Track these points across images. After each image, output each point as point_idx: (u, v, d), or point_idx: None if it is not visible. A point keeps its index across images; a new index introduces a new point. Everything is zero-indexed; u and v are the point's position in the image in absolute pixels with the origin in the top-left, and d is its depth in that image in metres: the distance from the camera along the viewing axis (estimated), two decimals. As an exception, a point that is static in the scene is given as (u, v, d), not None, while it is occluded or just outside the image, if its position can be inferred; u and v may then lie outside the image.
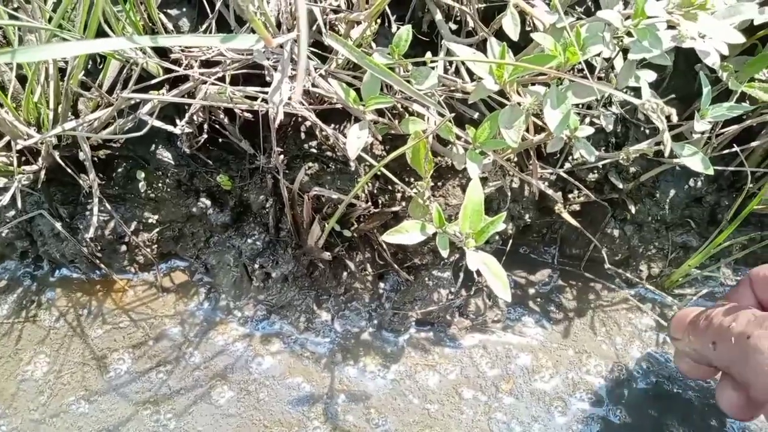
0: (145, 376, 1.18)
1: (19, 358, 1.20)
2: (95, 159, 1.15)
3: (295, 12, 0.94)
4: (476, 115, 1.14)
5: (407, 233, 0.88)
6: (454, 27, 1.12)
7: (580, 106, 1.04)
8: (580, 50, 0.79)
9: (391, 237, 0.89)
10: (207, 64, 1.05)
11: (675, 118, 0.75)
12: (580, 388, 1.20)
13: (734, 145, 1.13)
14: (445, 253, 0.88)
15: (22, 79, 1.13)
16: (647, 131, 1.19)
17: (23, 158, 1.15)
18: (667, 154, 0.85)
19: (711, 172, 0.98)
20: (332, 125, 1.14)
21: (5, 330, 1.25)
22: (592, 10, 1.13)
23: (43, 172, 1.14)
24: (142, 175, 1.23)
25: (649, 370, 1.23)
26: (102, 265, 1.29)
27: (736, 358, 0.85)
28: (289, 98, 0.82)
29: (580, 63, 0.81)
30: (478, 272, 0.86)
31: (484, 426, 1.14)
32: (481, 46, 0.99)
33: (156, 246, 1.32)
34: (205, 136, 1.13)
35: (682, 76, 1.18)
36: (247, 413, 1.14)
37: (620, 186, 1.22)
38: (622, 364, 1.24)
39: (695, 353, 0.97)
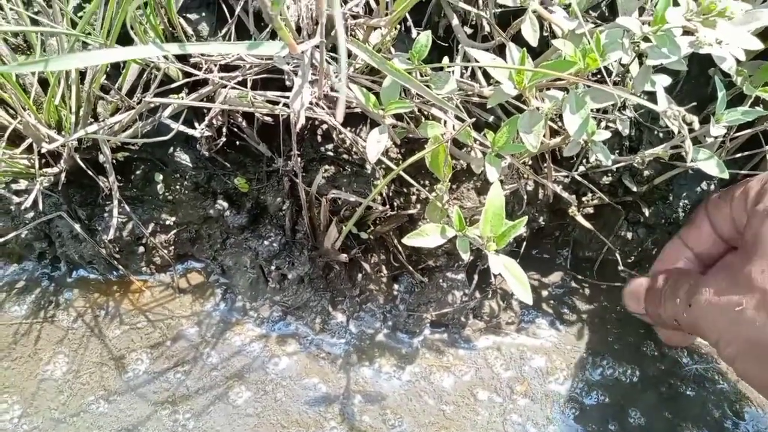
0: (163, 377, 1.19)
1: (38, 358, 1.22)
2: (114, 161, 1.17)
3: (317, 17, 0.95)
4: (491, 119, 1.15)
5: (427, 236, 0.89)
6: (469, 32, 1.13)
7: (597, 110, 1.05)
8: (600, 56, 0.80)
9: (411, 240, 0.90)
10: (226, 68, 1.07)
11: (697, 126, 0.76)
12: (595, 389, 1.21)
13: (752, 147, 1.14)
14: (465, 257, 0.89)
15: (43, 83, 1.15)
16: (661, 135, 1.20)
17: (43, 160, 1.16)
18: (689, 161, 0.87)
19: (726, 176, 0.99)
20: (348, 128, 1.15)
21: (24, 330, 1.26)
22: (607, 15, 1.14)
23: (63, 175, 1.16)
24: (160, 177, 1.25)
25: (664, 371, 1.24)
26: (119, 266, 1.30)
27: (693, 326, 0.98)
28: (312, 103, 0.83)
29: (601, 68, 0.82)
30: (494, 274, 0.87)
31: (500, 427, 1.15)
32: (498, 51, 1.00)
33: (173, 247, 1.33)
34: (223, 139, 1.14)
35: (694, 80, 1.19)
36: (264, 413, 1.15)
37: (634, 189, 1.23)
38: (636, 365, 1.25)
39: (665, 326, 1.12)
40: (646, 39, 0.84)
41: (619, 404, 1.19)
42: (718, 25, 0.78)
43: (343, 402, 1.17)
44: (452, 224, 0.91)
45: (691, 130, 0.88)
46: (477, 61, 0.90)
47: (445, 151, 0.93)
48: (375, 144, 0.93)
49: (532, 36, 0.90)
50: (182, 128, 1.07)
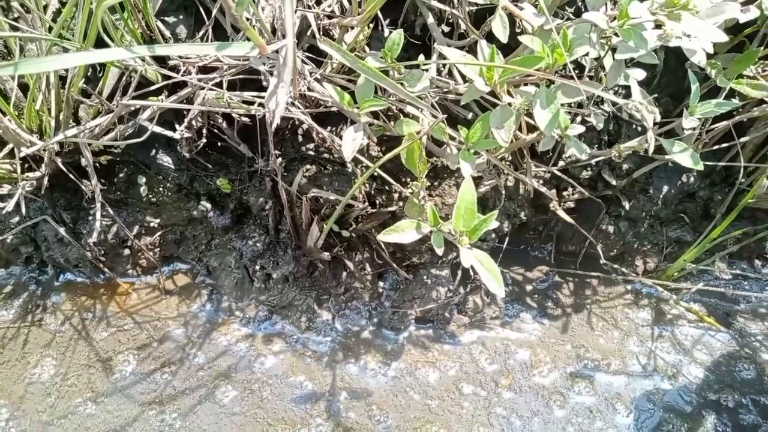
0: (150, 377, 1.20)
1: (26, 362, 1.22)
2: (97, 165, 1.17)
3: (283, 19, 0.96)
4: (470, 116, 1.16)
5: (403, 232, 0.90)
6: (446, 29, 1.14)
7: (572, 105, 1.06)
8: (567, 51, 0.81)
9: (387, 236, 0.91)
10: (204, 70, 1.07)
11: (658, 118, 0.77)
12: (579, 382, 1.22)
13: (730, 139, 1.15)
14: (439, 251, 0.90)
15: (23, 87, 1.16)
16: (639, 128, 1.21)
17: (26, 165, 1.17)
18: (651, 152, 0.88)
19: (700, 167, 1.00)
20: (329, 128, 1.16)
21: (12, 334, 1.27)
22: (583, 10, 1.15)
23: (46, 179, 1.16)
24: (143, 179, 1.25)
25: (646, 363, 1.25)
26: (106, 269, 1.31)
27: None
28: (287, 102, 0.84)
29: (569, 63, 0.83)
30: (474, 269, 0.88)
31: (484, 420, 1.16)
32: (473, 48, 1.01)
33: (158, 249, 1.34)
34: (204, 140, 1.15)
35: (673, 73, 1.20)
36: (250, 412, 1.16)
37: (613, 183, 1.24)
38: (619, 358, 1.26)
39: None
40: (617, 33, 0.85)
41: (603, 396, 1.20)
42: (683, 18, 0.79)
43: (329, 399, 1.18)
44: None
45: (663, 123, 0.89)
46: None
47: (419, 148, 0.94)
48: (350, 142, 0.94)
49: (502, 32, 0.91)
50: (157, 129, 1.08)
